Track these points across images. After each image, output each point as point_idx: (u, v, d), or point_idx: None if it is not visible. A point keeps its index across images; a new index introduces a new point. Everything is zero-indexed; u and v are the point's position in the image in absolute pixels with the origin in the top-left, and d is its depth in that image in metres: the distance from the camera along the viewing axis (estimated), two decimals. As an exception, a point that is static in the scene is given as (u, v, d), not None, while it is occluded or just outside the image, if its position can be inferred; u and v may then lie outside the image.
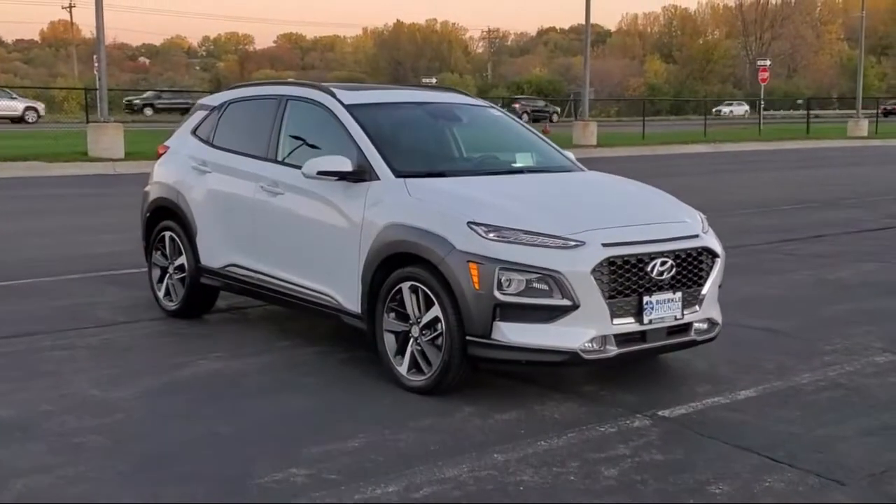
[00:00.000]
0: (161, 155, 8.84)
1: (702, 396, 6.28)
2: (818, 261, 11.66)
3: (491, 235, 5.90)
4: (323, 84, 7.66)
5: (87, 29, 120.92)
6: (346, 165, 6.70)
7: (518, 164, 7.47)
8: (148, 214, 8.70)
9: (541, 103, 76.66)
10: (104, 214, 16.15)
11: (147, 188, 8.82)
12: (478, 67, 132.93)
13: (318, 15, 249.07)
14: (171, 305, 8.41)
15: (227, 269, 7.84)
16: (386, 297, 6.38)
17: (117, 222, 14.52)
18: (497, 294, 5.80)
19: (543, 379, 6.56)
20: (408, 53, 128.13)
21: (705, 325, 6.47)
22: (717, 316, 6.58)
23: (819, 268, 11.16)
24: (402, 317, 6.33)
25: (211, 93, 9.68)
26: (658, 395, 6.31)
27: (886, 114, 73.02)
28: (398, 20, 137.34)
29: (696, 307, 6.31)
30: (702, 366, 6.95)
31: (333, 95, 7.32)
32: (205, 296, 8.35)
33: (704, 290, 6.36)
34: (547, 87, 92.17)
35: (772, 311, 8.79)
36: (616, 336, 5.95)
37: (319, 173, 6.73)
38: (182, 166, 8.37)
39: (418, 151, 7.27)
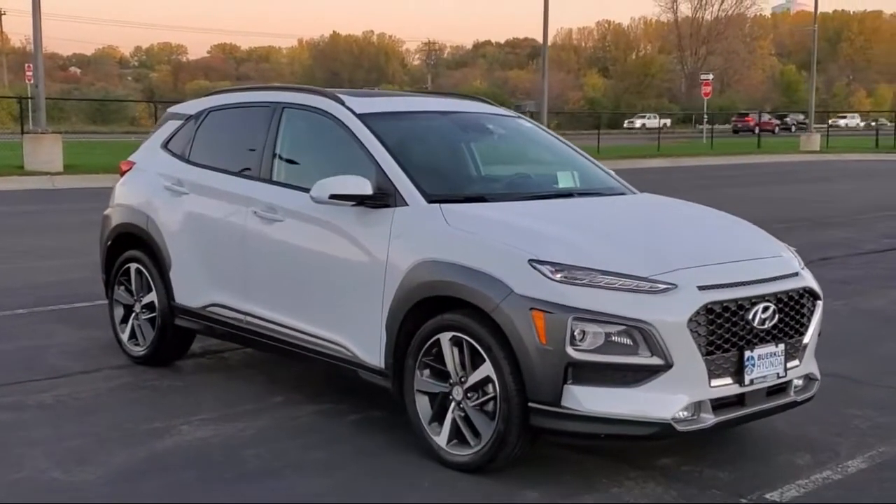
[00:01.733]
0: (125, 172, 7.51)
1: (806, 471, 5.17)
2: (841, 288, 10.64)
3: (559, 276, 4.73)
4: (327, 90, 6.41)
5: (16, 38, 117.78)
6: (364, 188, 5.48)
7: (562, 186, 6.28)
8: (109, 242, 7.36)
9: (800, 116, 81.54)
10: (47, 235, 14.49)
11: (108, 211, 7.49)
12: (416, 79, 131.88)
13: (253, 25, 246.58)
14: (138, 350, 7.09)
15: (209, 309, 6.56)
16: (418, 351, 5.18)
17: (63, 245, 13.08)
18: (570, 350, 4.63)
19: (607, 449, 5.38)
20: (345, 65, 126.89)
21: (802, 382, 5.36)
22: (815, 370, 5.47)
23: (847, 296, 10.15)
24: (440, 375, 5.14)
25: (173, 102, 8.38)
26: (752, 469, 5.18)
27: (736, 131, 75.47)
28: (335, 31, 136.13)
29: (797, 361, 5.20)
30: (784, 426, 5.83)
31: (342, 103, 6.10)
32: (179, 340, 7.04)
33: (806, 340, 5.26)
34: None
35: (825, 351, 7.58)
36: (712, 401, 4.81)
37: (332, 197, 5.49)
38: (151, 186, 7.07)
39: (451, 170, 6.08)
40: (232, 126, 6.84)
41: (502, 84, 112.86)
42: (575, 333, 4.63)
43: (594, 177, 6.51)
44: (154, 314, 6.95)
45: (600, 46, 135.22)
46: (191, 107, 7.33)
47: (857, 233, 15.94)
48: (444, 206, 5.35)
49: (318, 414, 6.01)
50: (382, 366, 5.42)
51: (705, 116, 61.33)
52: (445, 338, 5.06)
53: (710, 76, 61.84)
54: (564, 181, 6.30)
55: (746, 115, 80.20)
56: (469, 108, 6.86)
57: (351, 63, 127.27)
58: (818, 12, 47.88)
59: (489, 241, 5.02)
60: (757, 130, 62.69)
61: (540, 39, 39.38)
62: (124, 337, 7.21)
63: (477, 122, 6.68)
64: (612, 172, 6.68)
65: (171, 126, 7.30)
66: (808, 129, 49.06)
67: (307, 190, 5.80)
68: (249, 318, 6.26)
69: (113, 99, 66.98)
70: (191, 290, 6.67)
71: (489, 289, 4.84)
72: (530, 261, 4.79)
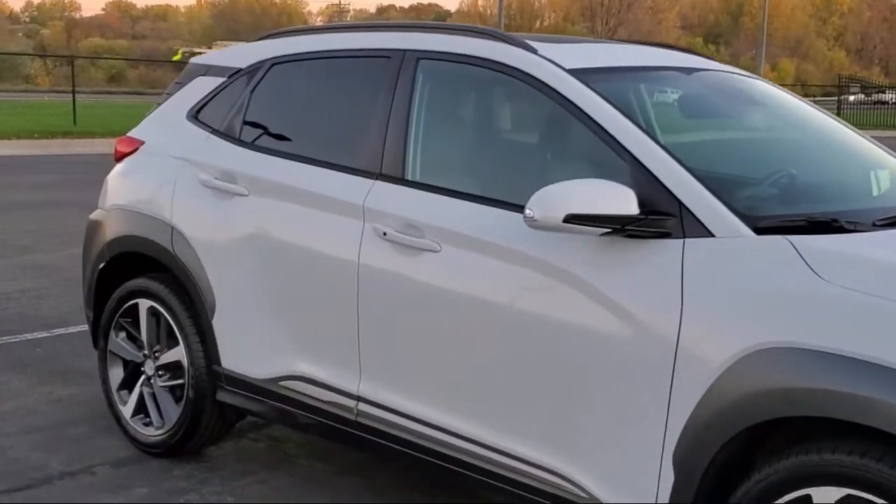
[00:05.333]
0: (124, 155, 4.86)
1: None
2: None
3: None
4: (503, 32, 3.88)
5: None
6: (628, 204, 3.03)
7: (884, 192, 3.82)
8: (102, 265, 4.76)
9: None
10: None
11: (97, 215, 4.87)
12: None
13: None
14: (152, 435, 4.54)
15: (284, 384, 4.04)
16: (756, 510, 2.80)
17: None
18: None
19: None
20: (246, 26, 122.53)
21: None
22: None
23: None
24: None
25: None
26: None
27: None
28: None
29: None
30: None
31: (534, 51, 3.62)
32: (218, 421, 4.51)
33: None
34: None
35: None
36: None
37: (572, 219, 3.03)
38: (176, 180, 4.46)
39: (762, 171, 3.59)
40: (319, 88, 4.27)
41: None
42: None
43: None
44: (181, 381, 4.42)
45: (505, 14, 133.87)
46: (237, 56, 4.68)
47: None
48: (796, 239, 2.92)
49: (493, 575, 3.57)
50: (660, 524, 3.01)
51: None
52: (829, 496, 2.68)
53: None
54: (881, 182, 3.86)
55: None
56: (702, 63, 4.31)
57: (252, 24, 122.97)
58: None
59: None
60: None
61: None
62: (126, 411, 4.65)
63: (733, 85, 4.21)
64: None
65: (202, 85, 4.64)
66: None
67: (481, 199, 3.44)
68: (364, 407, 3.77)
69: (10, 52, 62.40)
70: (251, 351, 4.15)
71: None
72: None
